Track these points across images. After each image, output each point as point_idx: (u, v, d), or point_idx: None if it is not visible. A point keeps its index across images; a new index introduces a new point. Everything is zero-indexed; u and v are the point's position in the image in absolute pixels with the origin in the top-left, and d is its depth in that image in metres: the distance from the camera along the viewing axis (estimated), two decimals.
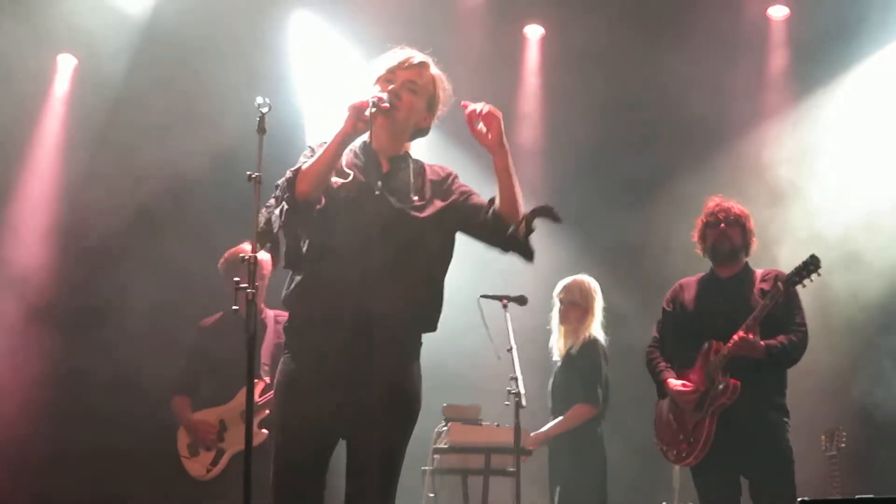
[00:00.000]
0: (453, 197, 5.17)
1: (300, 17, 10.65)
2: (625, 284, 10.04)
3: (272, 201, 4.97)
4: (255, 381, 6.79)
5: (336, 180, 4.97)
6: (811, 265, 6.92)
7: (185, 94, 9.69)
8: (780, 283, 6.95)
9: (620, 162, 10.48)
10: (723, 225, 7.32)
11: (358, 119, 4.86)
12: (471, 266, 7.52)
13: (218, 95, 9.64)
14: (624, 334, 8.84)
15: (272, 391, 7.70)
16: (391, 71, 5.15)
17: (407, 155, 5.25)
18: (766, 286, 7.19)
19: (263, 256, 7.85)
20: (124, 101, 9.90)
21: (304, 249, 4.95)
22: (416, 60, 5.21)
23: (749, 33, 10.50)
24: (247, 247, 7.81)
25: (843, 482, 8.16)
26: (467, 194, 5.21)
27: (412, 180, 5.14)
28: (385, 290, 4.86)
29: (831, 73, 10.26)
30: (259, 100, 4.97)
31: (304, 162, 4.97)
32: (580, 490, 8.21)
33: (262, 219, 4.92)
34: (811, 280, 6.93)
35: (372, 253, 4.85)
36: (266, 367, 7.89)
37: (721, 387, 6.95)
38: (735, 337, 6.90)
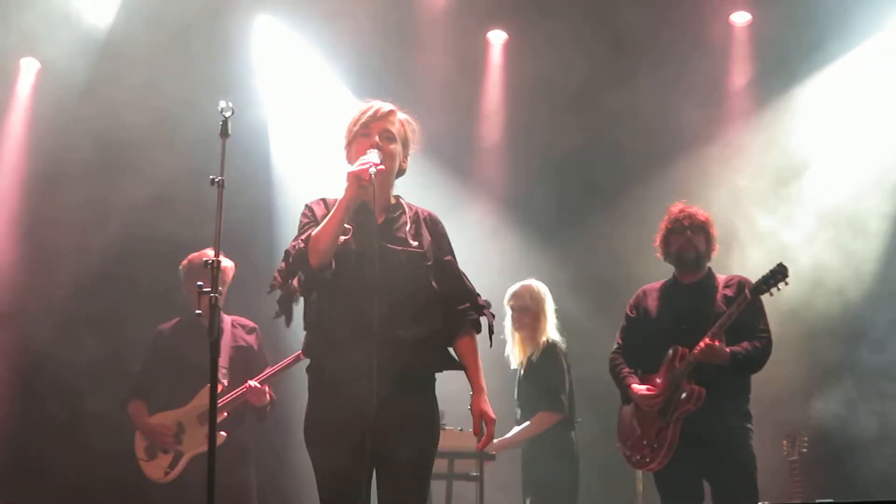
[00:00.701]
0: (438, 253, 5.45)
1: (263, 22, 10.61)
2: (581, 288, 10.05)
3: (283, 266, 5.20)
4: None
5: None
6: (779, 273, 6.95)
7: (148, 99, 9.64)
8: (747, 291, 6.99)
9: (582, 165, 10.51)
10: (689, 232, 7.32)
11: (360, 187, 5.04)
12: None
13: (181, 101, 9.60)
14: (578, 338, 8.82)
15: (230, 393, 7.75)
16: (365, 125, 5.36)
17: (399, 203, 5.48)
18: (729, 292, 7.21)
19: (226, 263, 7.89)
20: (87, 105, 9.83)
21: (318, 305, 5.20)
22: (385, 109, 5.41)
23: (712, 39, 10.51)
24: (209, 252, 7.81)
25: (803, 487, 8.21)
26: (450, 267, 5.52)
27: (409, 226, 5.39)
28: (401, 333, 5.15)
29: (794, 79, 10.29)
30: (222, 104, 4.97)
31: (306, 224, 5.26)
32: (553, 498, 8.20)
33: (277, 286, 5.20)
34: (778, 289, 6.97)
35: (382, 300, 5.07)
36: (224, 370, 7.88)
37: (686, 393, 6.97)
38: (701, 344, 6.91)
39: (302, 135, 10.25)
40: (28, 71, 10.37)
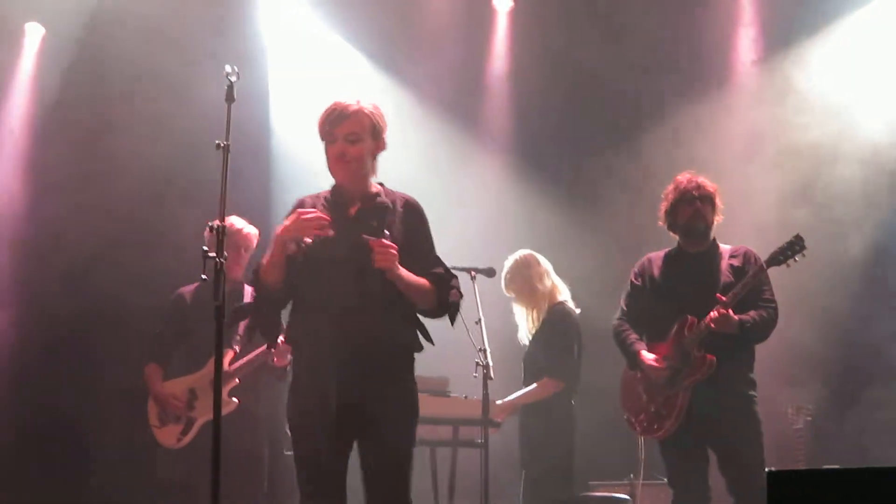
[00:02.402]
0: (411, 242, 5.59)
1: None
2: (585, 251, 10.03)
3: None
4: (225, 349, 6.77)
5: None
6: (796, 245, 6.94)
7: (153, 65, 9.62)
8: (763, 262, 6.98)
9: (587, 130, 10.47)
10: (698, 202, 7.29)
11: (293, 241, 5.39)
12: (438, 238, 7.49)
13: (187, 67, 9.58)
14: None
15: (242, 360, 7.73)
16: (329, 133, 5.53)
17: (378, 192, 5.63)
18: (735, 262, 7.20)
19: (250, 230, 7.91)
20: (91, 71, 9.81)
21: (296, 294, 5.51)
22: (347, 111, 5.52)
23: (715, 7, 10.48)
24: (234, 219, 7.83)
25: (807, 455, 8.22)
26: (421, 255, 5.68)
27: (384, 216, 5.55)
28: (371, 320, 5.34)
29: (802, 35, 10.21)
30: (227, 68, 4.95)
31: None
32: (547, 461, 8.22)
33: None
34: (795, 260, 6.96)
35: (355, 289, 5.32)
36: (238, 338, 7.86)
37: (697, 362, 6.97)
38: (714, 313, 6.90)
39: (305, 98, 10.22)
40: (33, 36, 10.34)
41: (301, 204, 5.55)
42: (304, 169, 8.70)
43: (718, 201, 7.34)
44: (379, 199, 5.58)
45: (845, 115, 9.82)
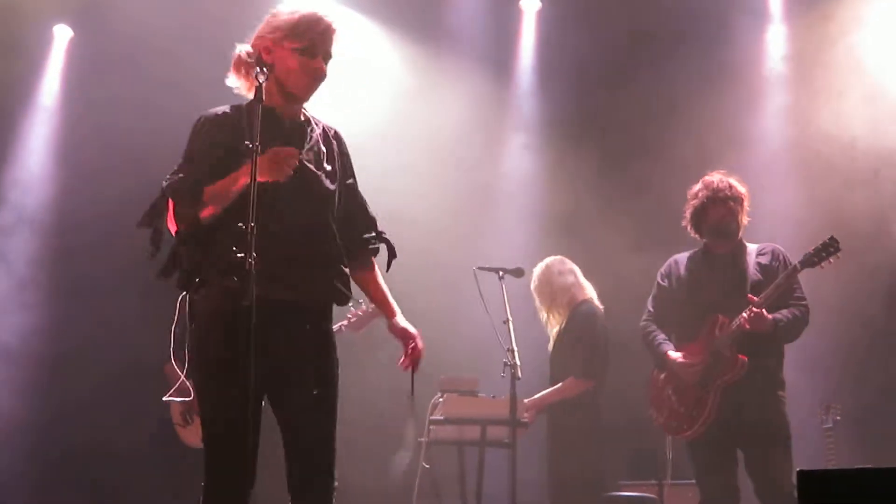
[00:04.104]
0: (346, 182, 5.24)
1: None
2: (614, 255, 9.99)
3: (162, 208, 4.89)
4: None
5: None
6: (830, 247, 6.93)
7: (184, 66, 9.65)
8: (797, 263, 6.97)
9: (614, 132, 10.44)
10: (731, 203, 7.29)
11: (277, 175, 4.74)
12: (466, 238, 7.54)
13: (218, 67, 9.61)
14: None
15: None
16: (311, 44, 5.04)
17: (308, 118, 5.22)
18: (763, 260, 7.21)
19: None
20: (121, 72, 9.86)
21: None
22: (334, 28, 5.11)
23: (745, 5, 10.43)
24: None
25: (838, 454, 8.19)
26: (352, 191, 5.29)
27: (324, 148, 5.16)
28: (313, 261, 4.96)
29: None
30: (256, 70, 4.92)
31: (204, 153, 4.91)
32: (575, 461, 8.23)
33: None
34: (829, 262, 6.94)
35: (299, 222, 4.91)
36: None
37: (729, 362, 6.97)
38: (747, 313, 6.90)
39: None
40: (61, 38, 10.40)
41: (225, 115, 5.00)
42: None
43: (747, 203, 7.34)
44: (313, 124, 5.19)
45: None
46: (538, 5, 10.87)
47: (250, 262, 4.49)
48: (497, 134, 10.82)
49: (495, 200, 10.54)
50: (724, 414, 7.01)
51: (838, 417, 8.31)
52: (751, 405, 6.94)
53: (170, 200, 4.82)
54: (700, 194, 7.37)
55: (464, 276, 8.00)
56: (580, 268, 8.79)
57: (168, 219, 4.86)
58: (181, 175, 4.87)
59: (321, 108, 5.24)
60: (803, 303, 7.12)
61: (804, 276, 7.20)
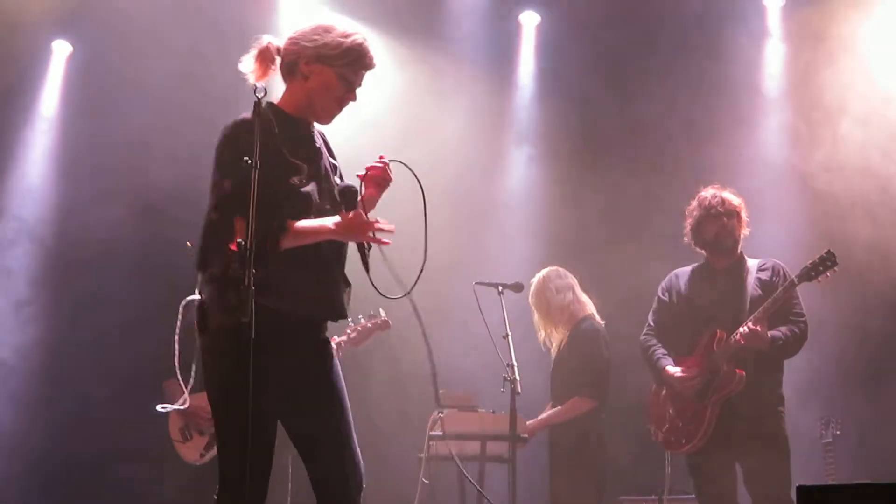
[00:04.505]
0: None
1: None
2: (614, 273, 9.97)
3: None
4: None
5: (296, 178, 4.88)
6: (828, 261, 6.94)
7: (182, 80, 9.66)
8: (794, 278, 6.97)
9: (615, 147, 10.43)
10: (724, 218, 7.30)
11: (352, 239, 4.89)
12: (466, 253, 7.52)
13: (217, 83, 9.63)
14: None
15: None
16: (351, 72, 5.07)
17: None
18: (764, 275, 7.22)
19: None
20: (118, 87, 9.87)
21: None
22: (374, 63, 5.15)
23: (743, 12, 10.40)
24: None
25: (837, 469, 8.19)
26: None
27: (332, 160, 5.20)
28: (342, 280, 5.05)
29: None
30: (257, 85, 4.92)
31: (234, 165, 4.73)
32: (576, 476, 8.21)
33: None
34: (827, 276, 6.95)
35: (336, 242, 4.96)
36: None
37: (727, 376, 6.97)
38: (744, 329, 6.91)
39: None
40: (60, 53, 10.41)
41: (245, 124, 4.79)
42: None
43: (744, 215, 7.34)
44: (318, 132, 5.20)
45: None
46: (537, 19, 10.85)
47: (249, 278, 4.50)
48: (497, 148, 10.80)
49: (495, 214, 10.53)
50: (722, 428, 7.01)
51: (838, 432, 8.32)
52: (750, 420, 6.95)
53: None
54: (694, 211, 7.39)
55: (463, 291, 8.00)
56: (581, 281, 8.77)
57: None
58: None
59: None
60: (802, 319, 7.12)
61: (804, 292, 7.21)
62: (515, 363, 7.41)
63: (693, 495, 7.42)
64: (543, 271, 8.75)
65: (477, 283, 7.88)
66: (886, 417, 9.03)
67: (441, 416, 8.00)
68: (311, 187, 4.90)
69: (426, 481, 8.22)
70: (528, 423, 8.24)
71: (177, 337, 5.56)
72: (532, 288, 8.67)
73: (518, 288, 8.08)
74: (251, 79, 5.03)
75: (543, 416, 8.48)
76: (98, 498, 9.18)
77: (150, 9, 9.77)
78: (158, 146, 9.72)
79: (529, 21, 10.90)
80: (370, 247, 5.02)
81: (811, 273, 6.95)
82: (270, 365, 4.73)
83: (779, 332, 7.01)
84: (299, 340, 4.90)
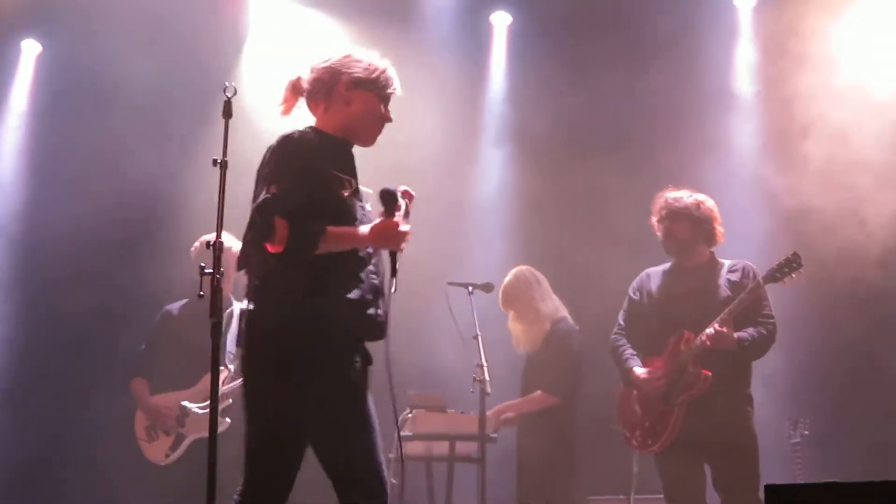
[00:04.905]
0: None
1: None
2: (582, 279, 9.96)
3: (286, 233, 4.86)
4: (220, 368, 6.76)
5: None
6: (794, 262, 6.97)
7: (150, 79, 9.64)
8: (760, 279, 7.00)
9: (587, 148, 10.41)
10: (668, 222, 7.33)
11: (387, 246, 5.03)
12: (436, 253, 7.50)
13: (184, 81, 9.61)
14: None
15: (237, 379, 7.71)
16: (386, 96, 5.35)
17: None
18: (734, 276, 7.22)
19: (234, 243, 7.82)
20: (87, 84, 9.83)
21: None
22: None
23: (714, 19, 10.41)
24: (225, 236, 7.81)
25: (805, 469, 8.21)
26: None
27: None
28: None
29: None
30: (225, 84, 4.93)
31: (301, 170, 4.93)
32: (545, 475, 8.21)
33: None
34: (792, 277, 6.97)
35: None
36: (231, 356, 7.86)
37: (693, 377, 6.98)
38: (710, 330, 6.92)
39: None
40: (29, 52, 10.35)
41: (304, 140, 5.06)
42: None
43: (699, 213, 7.32)
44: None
45: None
46: (509, 20, 10.85)
47: (217, 279, 4.53)
48: (469, 148, 10.79)
49: (467, 214, 10.52)
50: (690, 429, 7.01)
51: (806, 432, 8.34)
52: (717, 420, 6.94)
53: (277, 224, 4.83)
54: (659, 212, 7.40)
55: (434, 291, 8.00)
56: (553, 281, 8.76)
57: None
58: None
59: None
60: (771, 320, 7.13)
61: (774, 293, 7.24)
62: (486, 363, 7.42)
63: (661, 495, 7.42)
64: (515, 270, 8.73)
65: (448, 283, 7.89)
66: (854, 418, 9.06)
67: (409, 416, 8.00)
68: (354, 201, 5.09)
69: (395, 482, 8.20)
70: (487, 413, 8.17)
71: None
72: (509, 287, 8.65)
73: (488, 288, 8.08)
74: (280, 111, 5.31)
75: (504, 404, 8.46)
76: (61, 494, 9.17)
77: (118, 8, 9.73)
78: (128, 144, 9.68)
79: (501, 21, 10.90)
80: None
81: (776, 274, 6.98)
82: (314, 380, 4.87)
83: (746, 333, 7.01)
84: (345, 357, 4.99)
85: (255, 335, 5.00)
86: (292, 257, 4.81)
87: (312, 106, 5.28)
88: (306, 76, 5.25)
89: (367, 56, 5.31)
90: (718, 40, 10.31)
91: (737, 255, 7.53)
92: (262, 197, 4.86)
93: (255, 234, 4.85)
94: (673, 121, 10.08)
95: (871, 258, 9.22)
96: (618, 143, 10.20)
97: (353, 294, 4.94)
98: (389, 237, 4.94)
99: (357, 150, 5.28)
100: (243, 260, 5.00)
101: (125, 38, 9.71)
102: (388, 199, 5.03)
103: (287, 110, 5.28)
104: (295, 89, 5.27)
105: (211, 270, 4.82)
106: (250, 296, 5.04)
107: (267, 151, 5.03)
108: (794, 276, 6.97)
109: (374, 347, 5.10)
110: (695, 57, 10.21)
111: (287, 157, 4.97)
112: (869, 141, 9.35)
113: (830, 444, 8.90)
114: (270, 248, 4.79)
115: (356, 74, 5.21)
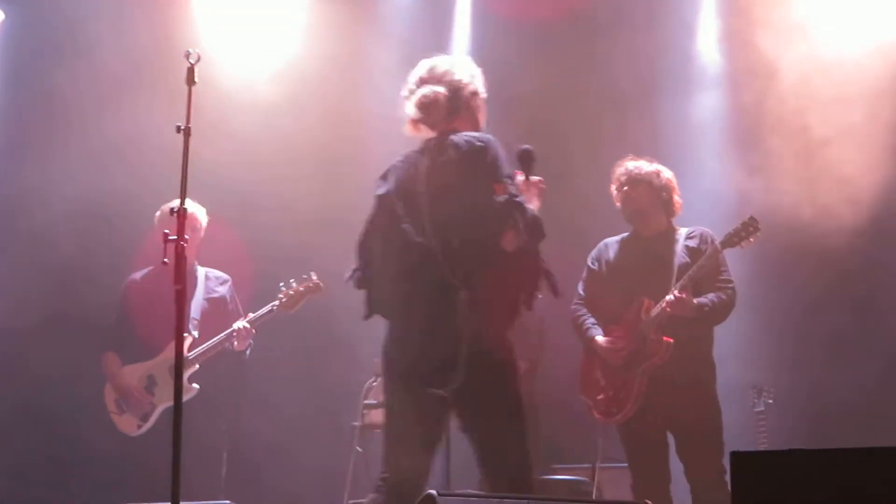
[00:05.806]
0: None
1: None
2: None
3: None
4: (184, 335, 6.74)
5: None
6: (750, 226, 7.01)
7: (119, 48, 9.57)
8: (717, 244, 7.03)
9: (557, 121, 10.38)
10: (626, 188, 7.35)
11: None
12: None
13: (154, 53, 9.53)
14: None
15: (202, 345, 7.68)
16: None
17: None
18: (692, 243, 7.23)
19: (196, 209, 7.78)
20: (52, 54, 9.74)
21: None
22: None
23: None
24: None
25: (769, 437, 8.25)
26: None
27: None
28: None
29: None
30: (189, 50, 4.91)
31: None
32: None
33: None
34: (750, 241, 7.01)
35: None
36: (195, 322, 7.85)
37: (655, 345, 7.00)
38: (670, 297, 6.95)
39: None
40: None
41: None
42: None
43: (659, 181, 7.34)
44: None
45: None
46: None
47: (182, 245, 4.52)
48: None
49: None
50: (653, 397, 7.04)
51: (770, 400, 8.37)
52: (680, 388, 6.97)
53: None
54: (619, 178, 7.40)
55: None
56: None
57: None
58: None
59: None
60: (730, 285, 7.17)
61: (733, 259, 7.26)
62: None
63: (626, 464, 7.44)
64: None
65: None
66: (817, 384, 9.09)
67: (374, 384, 7.99)
68: None
69: (360, 449, 8.21)
70: None
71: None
72: None
73: None
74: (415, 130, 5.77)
75: None
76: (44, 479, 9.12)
77: None
78: (94, 108, 9.58)
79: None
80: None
81: (734, 239, 7.04)
82: None
83: (706, 298, 7.05)
84: None
85: None
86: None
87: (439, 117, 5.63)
88: (440, 90, 5.62)
89: (469, 62, 5.87)
90: (683, 10, 10.29)
91: (697, 222, 7.54)
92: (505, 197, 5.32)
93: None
94: (635, 94, 10.06)
95: (844, 222, 9.25)
96: (582, 120, 10.16)
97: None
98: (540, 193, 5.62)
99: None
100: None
101: (88, 5, 9.63)
102: (524, 156, 5.61)
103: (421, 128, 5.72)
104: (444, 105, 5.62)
105: (175, 237, 4.80)
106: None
107: (457, 147, 5.48)
108: (751, 240, 7.03)
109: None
110: (660, 26, 10.20)
111: (503, 160, 5.44)
112: (841, 106, 9.36)
113: (794, 412, 8.93)
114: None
115: (471, 84, 5.72)
